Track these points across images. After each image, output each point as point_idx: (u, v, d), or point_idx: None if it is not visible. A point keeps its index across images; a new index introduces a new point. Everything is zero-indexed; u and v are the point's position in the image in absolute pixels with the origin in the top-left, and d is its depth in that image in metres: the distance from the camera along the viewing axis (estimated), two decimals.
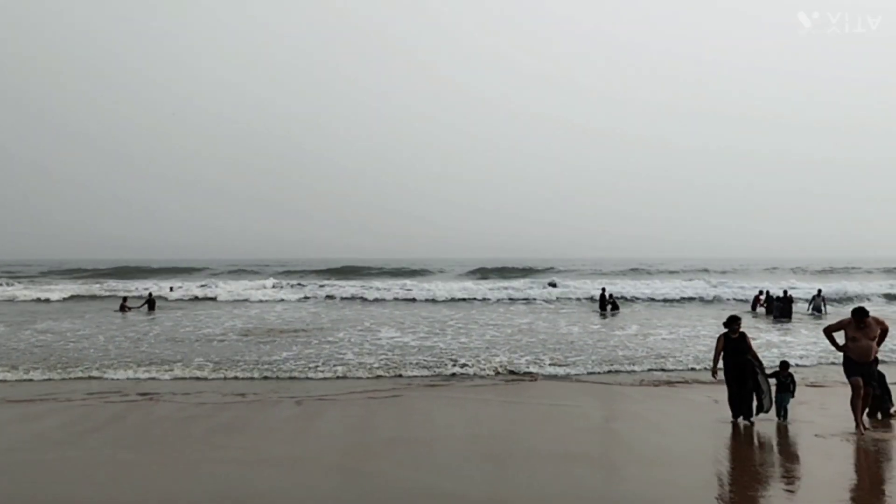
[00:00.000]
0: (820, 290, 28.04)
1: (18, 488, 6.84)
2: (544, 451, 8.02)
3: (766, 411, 9.26)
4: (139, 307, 28.53)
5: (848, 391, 8.92)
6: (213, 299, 33.99)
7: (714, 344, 9.66)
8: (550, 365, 14.06)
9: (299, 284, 42.36)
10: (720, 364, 9.41)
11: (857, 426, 8.67)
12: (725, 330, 9.50)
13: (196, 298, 34.72)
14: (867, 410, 9.21)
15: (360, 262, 71.43)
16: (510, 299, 33.50)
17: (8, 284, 42.59)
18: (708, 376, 12.65)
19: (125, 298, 29.94)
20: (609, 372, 13.56)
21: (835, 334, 9.08)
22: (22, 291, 37.28)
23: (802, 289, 33.82)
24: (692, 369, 13.72)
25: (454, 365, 14.15)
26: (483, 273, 61.83)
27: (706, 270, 61.13)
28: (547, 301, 32.75)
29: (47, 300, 34.35)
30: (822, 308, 26.26)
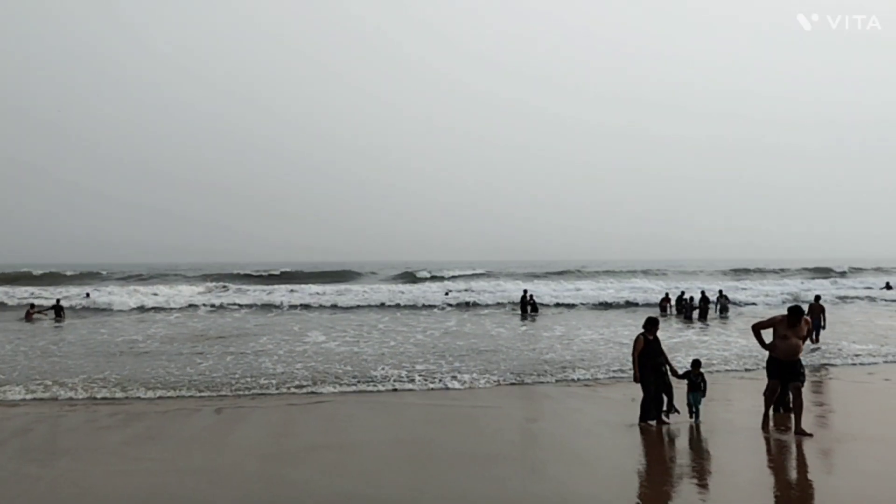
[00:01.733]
0: (721, 291, 29.08)
1: None
2: (466, 452, 8.10)
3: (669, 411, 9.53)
4: (45, 311, 27.27)
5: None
6: (130, 310, 32.38)
7: (632, 345, 9.90)
8: (472, 369, 14.16)
9: (224, 287, 41.22)
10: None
11: (765, 421, 9.12)
12: (643, 331, 9.77)
13: (100, 309, 32.83)
14: (773, 407, 9.55)
15: (288, 266, 69.90)
16: (411, 305, 32.44)
17: None
18: (625, 376, 13.12)
19: (32, 305, 28.41)
20: (532, 373, 13.79)
21: (763, 332, 9.18)
22: None
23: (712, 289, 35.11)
24: (613, 370, 14.10)
25: (377, 370, 14.10)
26: (411, 277, 61.65)
27: (645, 272, 62.23)
28: (465, 305, 32.58)
29: None
30: (727, 308, 27.51)
